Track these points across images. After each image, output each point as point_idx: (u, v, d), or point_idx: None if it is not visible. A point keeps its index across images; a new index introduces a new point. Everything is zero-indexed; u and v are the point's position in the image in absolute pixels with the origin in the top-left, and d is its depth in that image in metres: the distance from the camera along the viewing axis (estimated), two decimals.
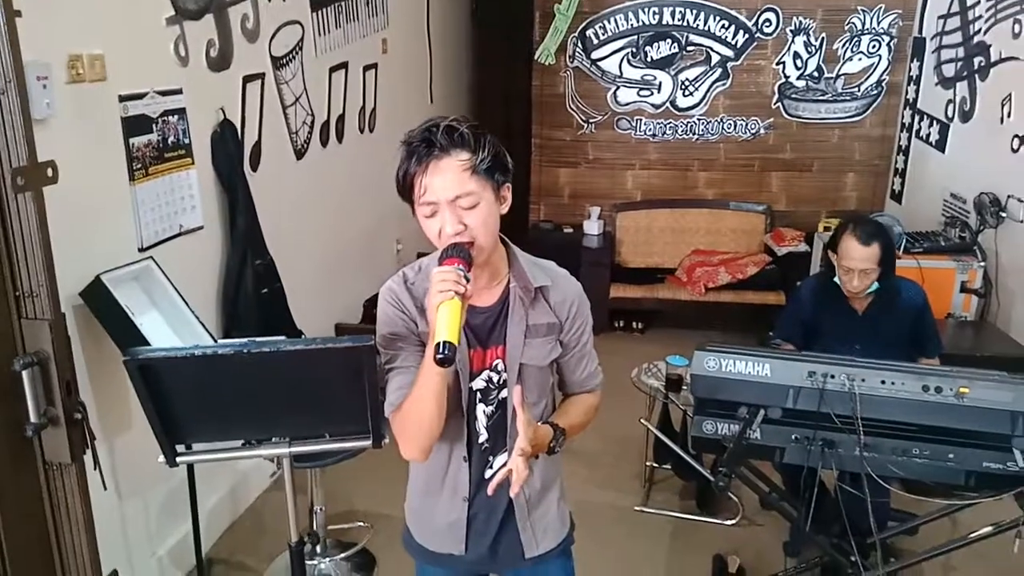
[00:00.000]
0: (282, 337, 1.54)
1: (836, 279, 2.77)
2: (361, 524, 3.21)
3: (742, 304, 5.18)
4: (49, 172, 1.49)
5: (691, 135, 5.58)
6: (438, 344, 1.30)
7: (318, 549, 2.99)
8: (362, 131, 4.43)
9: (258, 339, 1.47)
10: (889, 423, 2.09)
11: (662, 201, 5.67)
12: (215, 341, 2.48)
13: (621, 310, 5.38)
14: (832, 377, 2.06)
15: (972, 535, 2.30)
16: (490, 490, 1.49)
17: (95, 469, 1.63)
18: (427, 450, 1.49)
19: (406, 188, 1.42)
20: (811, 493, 2.31)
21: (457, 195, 1.38)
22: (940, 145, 4.63)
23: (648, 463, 3.56)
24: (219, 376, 1.40)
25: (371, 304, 4.36)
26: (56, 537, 1.61)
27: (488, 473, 1.58)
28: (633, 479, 3.62)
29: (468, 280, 1.35)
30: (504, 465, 1.48)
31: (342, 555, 3.02)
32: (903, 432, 2.11)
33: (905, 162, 5.15)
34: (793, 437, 2.19)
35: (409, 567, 1.77)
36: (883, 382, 2.04)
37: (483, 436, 1.56)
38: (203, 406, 1.46)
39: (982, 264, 3.94)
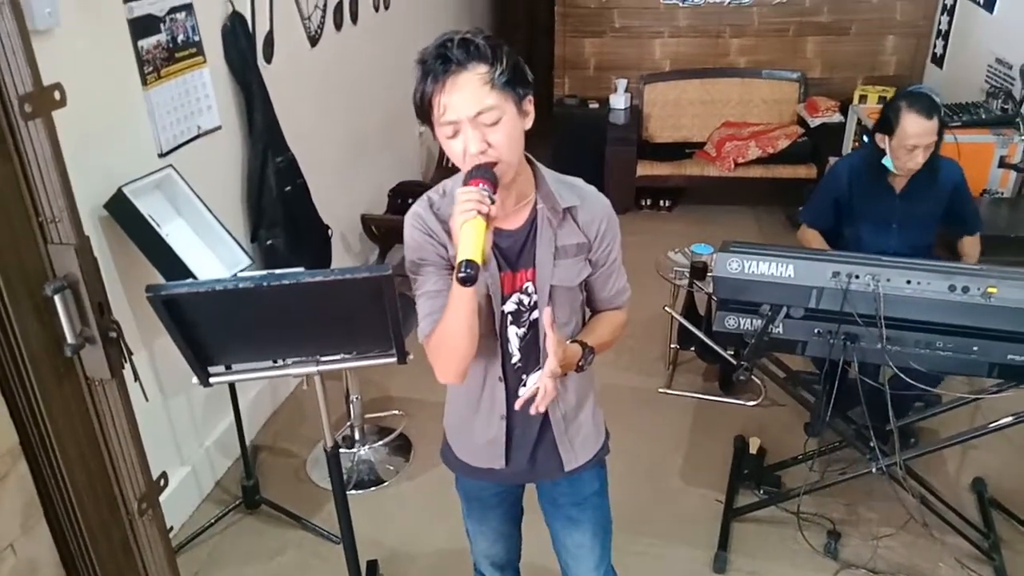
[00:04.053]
0: (300, 268, 1.55)
1: (885, 161, 2.67)
2: (396, 412, 3.34)
3: (772, 179, 5.08)
4: (57, 95, 1.46)
5: None
6: (460, 263, 1.28)
7: (356, 436, 3.14)
8: (377, 9, 4.26)
9: (277, 271, 1.48)
10: (913, 321, 2.09)
11: (692, 71, 5.46)
12: (240, 247, 2.50)
13: (648, 188, 5.29)
14: (856, 277, 2.04)
15: (992, 424, 2.34)
16: (517, 406, 1.52)
17: (135, 382, 1.71)
18: (462, 373, 1.51)
19: (425, 110, 1.38)
20: (832, 383, 2.35)
21: (478, 111, 1.34)
22: (989, 5, 4.34)
23: (672, 346, 3.61)
24: (242, 306, 1.43)
25: (395, 194, 4.33)
26: (106, 447, 1.70)
27: (523, 391, 1.60)
28: (657, 362, 3.68)
29: (493, 201, 1.33)
30: (533, 383, 1.51)
31: (380, 442, 3.17)
32: (927, 327, 2.11)
33: (950, 23, 4.85)
34: (815, 331, 2.20)
35: None
36: (908, 282, 2.02)
37: (516, 357, 1.58)
38: (228, 332, 1.51)
39: (1023, 137, 3.78)
